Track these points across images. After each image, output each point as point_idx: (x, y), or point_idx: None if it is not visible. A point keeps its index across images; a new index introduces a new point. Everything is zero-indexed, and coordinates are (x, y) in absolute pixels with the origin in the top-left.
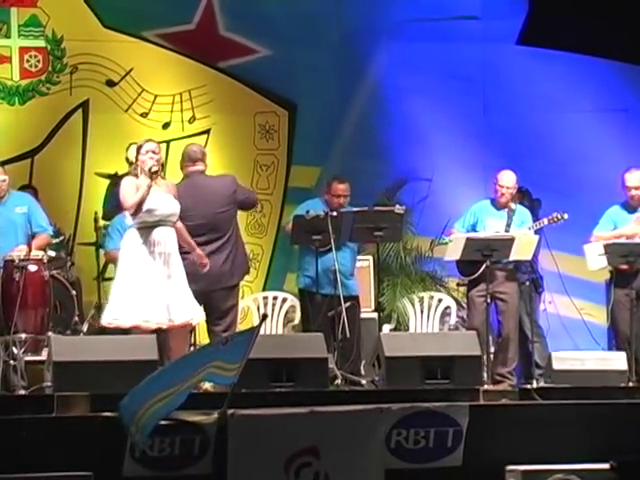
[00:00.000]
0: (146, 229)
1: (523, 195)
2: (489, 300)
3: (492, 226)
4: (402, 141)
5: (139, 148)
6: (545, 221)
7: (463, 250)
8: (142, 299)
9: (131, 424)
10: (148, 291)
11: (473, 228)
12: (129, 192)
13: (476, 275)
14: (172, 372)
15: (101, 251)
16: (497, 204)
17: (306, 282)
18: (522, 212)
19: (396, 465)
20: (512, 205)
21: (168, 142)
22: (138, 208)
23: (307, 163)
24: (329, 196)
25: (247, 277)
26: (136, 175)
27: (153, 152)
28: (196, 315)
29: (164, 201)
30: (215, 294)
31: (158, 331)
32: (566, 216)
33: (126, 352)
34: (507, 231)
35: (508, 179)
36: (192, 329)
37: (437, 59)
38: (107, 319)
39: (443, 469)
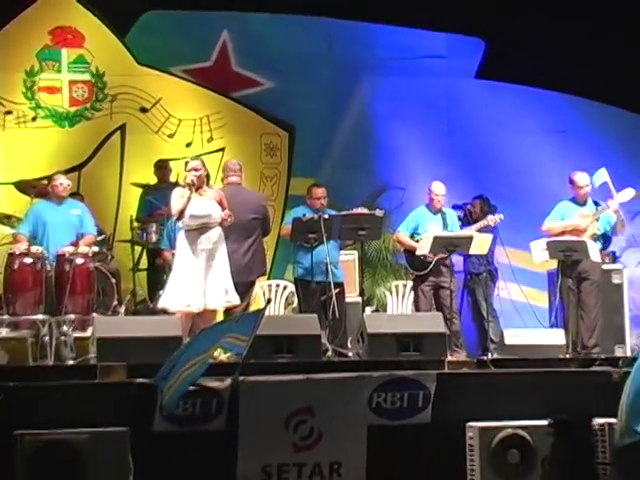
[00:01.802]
0: (192, 231)
1: (484, 202)
2: (434, 290)
3: (432, 228)
4: (381, 157)
5: (186, 164)
6: (485, 222)
7: (431, 246)
8: (186, 289)
9: (163, 392)
10: (191, 282)
11: (415, 231)
12: (175, 201)
13: (427, 270)
14: (195, 345)
15: (136, 247)
16: (432, 209)
17: (300, 272)
18: (451, 214)
19: (376, 422)
20: (443, 209)
21: (188, 159)
22: (180, 215)
23: (304, 175)
24: (311, 200)
25: None
26: (183, 186)
27: (195, 169)
28: (233, 299)
29: (206, 207)
30: (236, 287)
31: (197, 313)
32: (502, 216)
33: (156, 329)
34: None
35: (440, 188)
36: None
37: (410, 90)
38: (160, 304)
39: (415, 425)
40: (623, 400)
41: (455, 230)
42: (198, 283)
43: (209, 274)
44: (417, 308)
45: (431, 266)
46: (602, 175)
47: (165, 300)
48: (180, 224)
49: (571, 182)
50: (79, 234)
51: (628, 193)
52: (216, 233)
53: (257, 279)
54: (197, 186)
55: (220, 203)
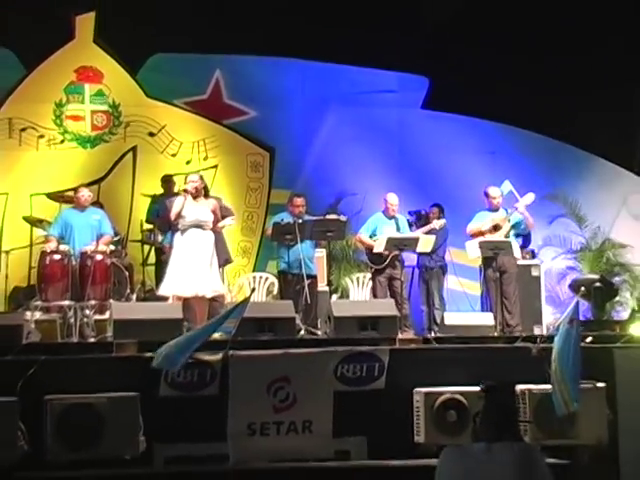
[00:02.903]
0: (185, 230)
1: (440, 209)
2: (388, 280)
3: (387, 231)
4: (345, 172)
5: (186, 178)
6: (431, 226)
7: (385, 245)
8: (180, 279)
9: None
10: (184, 273)
11: (373, 232)
12: (174, 206)
13: (384, 265)
14: (197, 337)
15: (145, 246)
16: (387, 215)
17: (282, 266)
18: (402, 219)
19: (341, 388)
20: (396, 215)
21: (188, 174)
22: (176, 217)
23: (282, 187)
24: (292, 207)
25: (241, 263)
26: (182, 195)
27: (192, 181)
28: (220, 289)
29: (197, 211)
30: None
31: (190, 299)
32: (445, 221)
33: (161, 313)
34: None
35: (394, 199)
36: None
37: (368, 118)
38: (159, 291)
39: (372, 390)
40: (556, 376)
41: (406, 232)
42: (190, 273)
43: (199, 267)
44: (374, 295)
45: (387, 261)
46: (507, 185)
47: (163, 288)
48: (179, 226)
49: (486, 195)
50: (99, 235)
51: (529, 197)
52: (206, 235)
53: (222, 265)
54: (193, 194)
55: (214, 212)
